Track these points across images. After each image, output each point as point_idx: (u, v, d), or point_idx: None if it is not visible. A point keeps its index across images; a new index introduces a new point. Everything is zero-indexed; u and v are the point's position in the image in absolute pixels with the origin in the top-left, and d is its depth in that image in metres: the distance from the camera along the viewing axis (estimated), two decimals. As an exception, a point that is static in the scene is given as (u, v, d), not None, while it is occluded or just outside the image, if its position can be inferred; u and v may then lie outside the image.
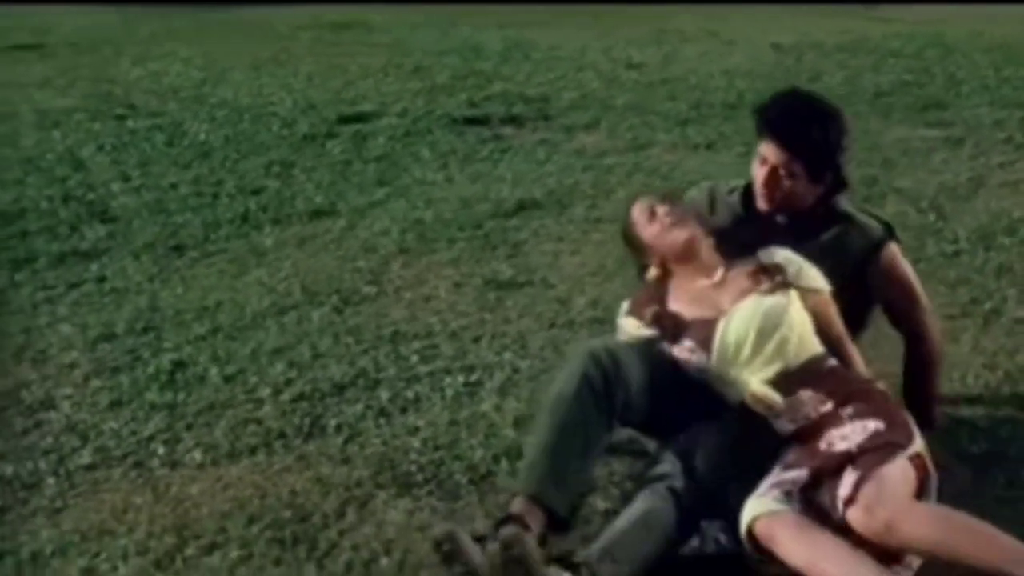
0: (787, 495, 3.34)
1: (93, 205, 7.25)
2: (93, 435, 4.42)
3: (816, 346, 3.72)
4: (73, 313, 5.62)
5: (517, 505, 3.42)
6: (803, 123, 3.86)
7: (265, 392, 4.68)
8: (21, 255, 6.43)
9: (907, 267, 4.10)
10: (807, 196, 3.93)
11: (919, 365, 4.10)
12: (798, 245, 3.86)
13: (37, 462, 4.23)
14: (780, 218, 3.97)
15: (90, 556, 3.65)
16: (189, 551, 3.65)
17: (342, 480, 4.00)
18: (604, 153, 7.93)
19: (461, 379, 4.71)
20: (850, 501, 3.26)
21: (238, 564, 3.58)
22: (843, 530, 3.27)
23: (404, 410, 4.49)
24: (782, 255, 3.84)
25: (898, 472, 3.34)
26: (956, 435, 4.10)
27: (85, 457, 4.26)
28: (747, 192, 4.03)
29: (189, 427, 4.44)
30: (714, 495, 3.48)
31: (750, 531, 3.31)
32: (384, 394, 4.61)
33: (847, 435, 3.43)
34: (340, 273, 5.95)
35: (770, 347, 3.64)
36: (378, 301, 5.58)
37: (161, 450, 4.28)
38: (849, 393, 3.58)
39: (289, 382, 4.76)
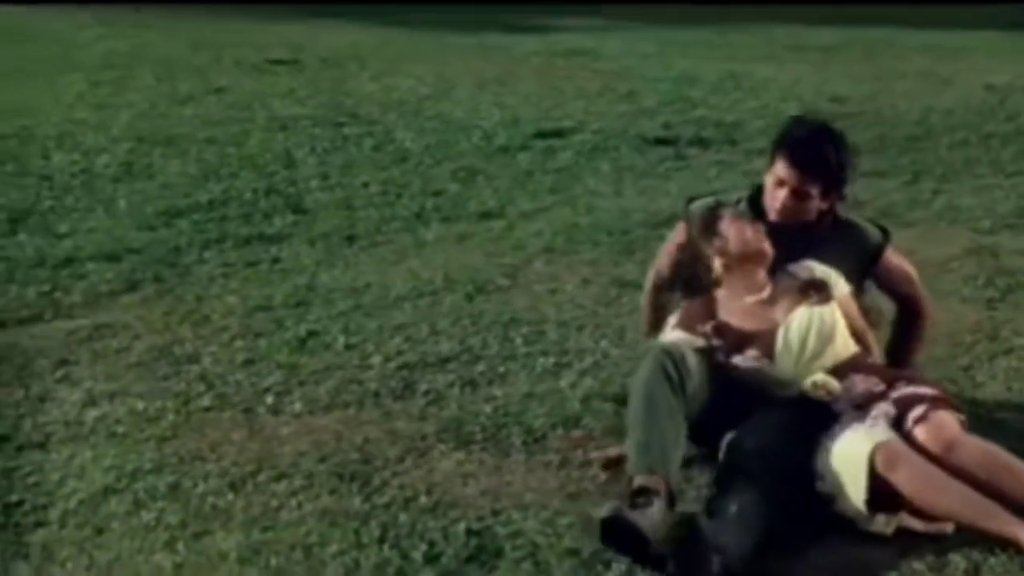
0: (889, 424, 3.85)
1: (290, 198, 7.93)
2: (219, 384, 5.01)
3: (854, 345, 4.16)
4: (242, 287, 6.26)
5: (642, 480, 3.79)
6: (819, 149, 4.27)
7: (376, 360, 5.20)
8: (214, 236, 7.13)
9: (906, 262, 4.50)
10: (815, 211, 4.32)
11: (912, 335, 4.56)
12: (809, 252, 4.24)
13: (165, 402, 4.85)
14: (789, 226, 4.29)
15: (179, 475, 4.23)
16: (260, 478, 4.19)
17: (411, 434, 4.48)
18: (774, 175, 8.20)
19: (552, 360, 5.14)
20: (920, 420, 3.83)
21: (298, 491, 4.09)
22: None
23: (491, 382, 4.94)
24: (819, 269, 4.25)
25: (955, 419, 3.91)
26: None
27: (205, 401, 4.85)
28: (754, 202, 4.37)
29: (301, 384, 4.99)
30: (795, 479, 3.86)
31: (871, 462, 3.73)
32: (479, 368, 5.07)
33: (915, 388, 3.97)
34: (484, 266, 6.44)
35: (826, 351, 4.09)
36: (508, 292, 6.04)
37: (270, 400, 4.84)
38: (896, 376, 4.08)
39: (400, 353, 5.27)
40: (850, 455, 3.77)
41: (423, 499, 4.03)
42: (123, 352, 5.42)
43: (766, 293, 4.23)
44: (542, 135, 9.55)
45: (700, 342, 4.17)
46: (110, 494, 4.11)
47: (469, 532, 3.83)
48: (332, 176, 8.48)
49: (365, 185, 8.21)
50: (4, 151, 9.40)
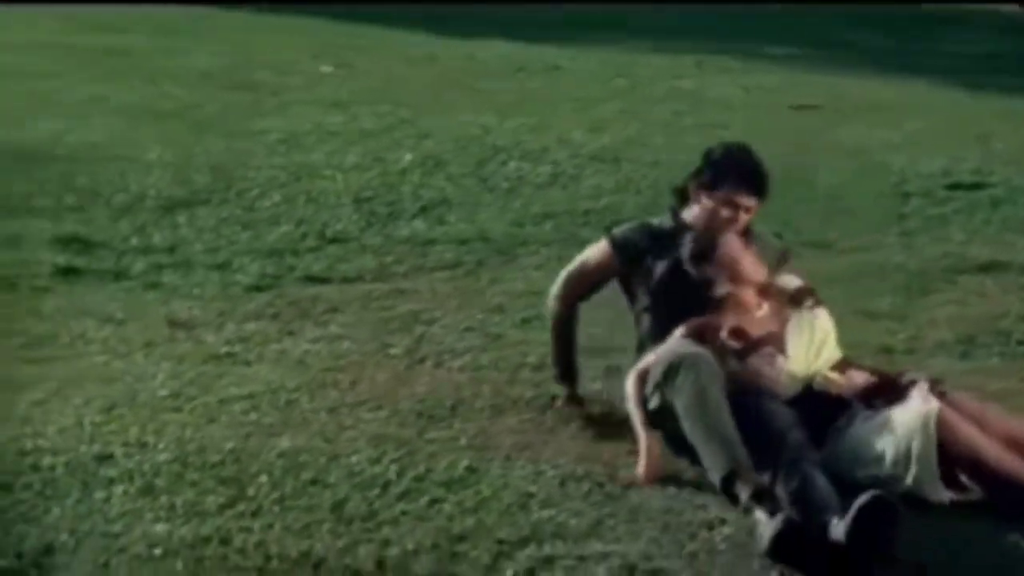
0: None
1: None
2: (408, 342, 5.81)
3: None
4: (533, 278, 6.74)
5: (751, 481, 4.20)
6: (763, 170, 4.93)
7: (535, 343, 5.67)
8: (561, 237, 7.61)
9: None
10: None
11: None
12: None
13: (350, 345, 5.76)
14: None
15: (257, 411, 5.02)
16: (342, 408, 5.01)
17: (492, 396, 5.15)
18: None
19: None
20: (944, 394, 4.44)
21: (364, 421, 4.89)
22: None
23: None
24: (798, 279, 4.86)
25: None
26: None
27: (378, 348, 5.73)
28: (678, 222, 4.97)
29: (461, 353, 5.69)
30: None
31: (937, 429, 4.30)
32: (599, 361, 5.43)
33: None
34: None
35: (827, 346, 4.70)
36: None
37: (419, 355, 5.65)
38: (884, 375, 4.66)
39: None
40: (913, 429, 4.29)
41: (462, 440, 4.68)
42: (382, 310, 6.28)
43: (764, 310, 4.72)
44: (953, 186, 9.39)
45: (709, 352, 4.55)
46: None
47: (468, 468, 4.47)
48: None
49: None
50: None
